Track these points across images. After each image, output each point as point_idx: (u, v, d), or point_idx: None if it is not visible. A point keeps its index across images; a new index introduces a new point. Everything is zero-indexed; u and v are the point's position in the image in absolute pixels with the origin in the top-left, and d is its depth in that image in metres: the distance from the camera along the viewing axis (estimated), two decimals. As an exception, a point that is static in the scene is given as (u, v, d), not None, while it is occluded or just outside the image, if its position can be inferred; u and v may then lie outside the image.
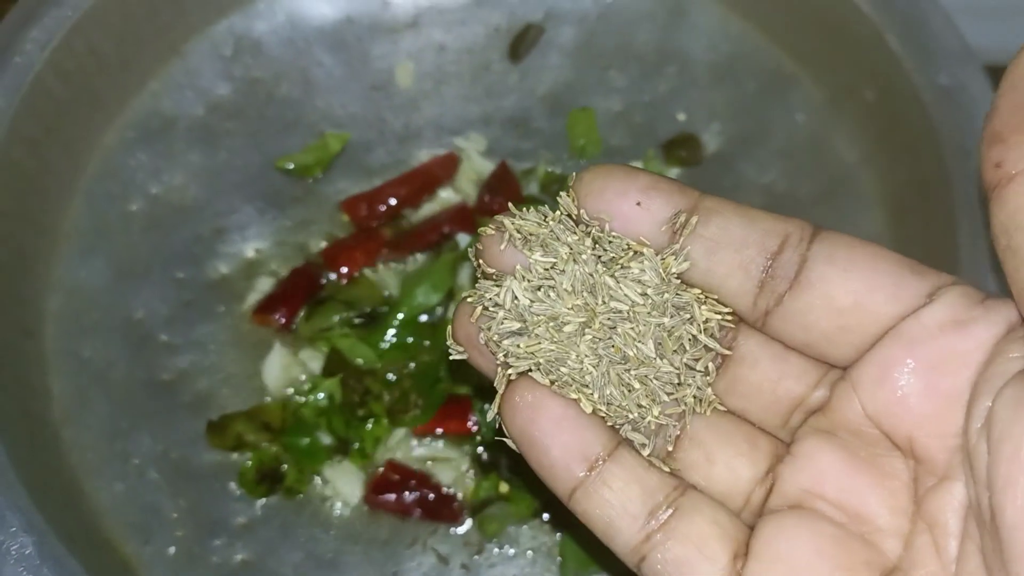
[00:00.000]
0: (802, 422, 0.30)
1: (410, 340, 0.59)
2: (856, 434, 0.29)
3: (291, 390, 0.58)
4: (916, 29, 0.54)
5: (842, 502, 0.29)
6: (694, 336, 0.31)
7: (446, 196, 0.64)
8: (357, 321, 0.60)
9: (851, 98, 0.60)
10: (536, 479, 0.32)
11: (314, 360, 0.59)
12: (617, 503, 0.29)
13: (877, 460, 0.29)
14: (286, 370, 0.59)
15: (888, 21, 0.55)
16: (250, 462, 0.55)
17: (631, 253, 0.30)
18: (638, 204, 0.30)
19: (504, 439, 0.31)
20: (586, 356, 0.30)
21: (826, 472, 0.29)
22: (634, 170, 0.30)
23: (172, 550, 0.54)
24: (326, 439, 0.56)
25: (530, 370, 0.31)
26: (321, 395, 0.57)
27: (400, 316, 0.59)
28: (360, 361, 0.58)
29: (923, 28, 0.54)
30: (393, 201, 0.63)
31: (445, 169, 0.64)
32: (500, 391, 0.31)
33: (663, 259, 0.31)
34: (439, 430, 0.57)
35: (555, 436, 0.29)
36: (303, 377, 0.58)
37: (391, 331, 0.59)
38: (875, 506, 0.28)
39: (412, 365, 0.58)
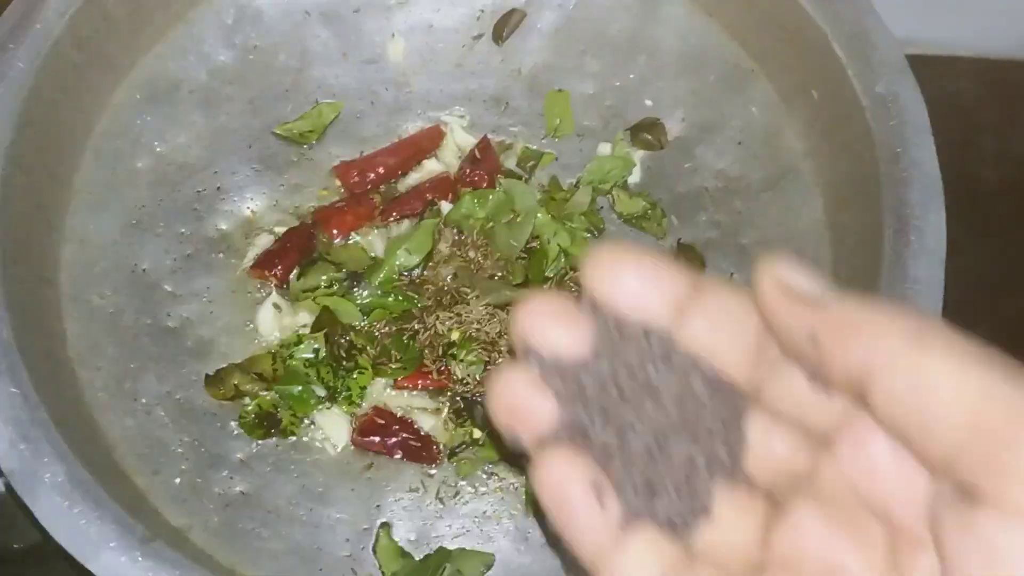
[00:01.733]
0: (788, 484, 0.31)
1: (391, 298, 0.65)
2: (838, 499, 0.30)
3: (278, 335, 0.63)
4: (860, 40, 0.61)
5: (825, 566, 0.30)
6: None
7: (431, 166, 0.69)
8: (344, 281, 0.65)
9: (800, 96, 0.66)
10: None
11: (304, 312, 0.64)
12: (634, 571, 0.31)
13: (858, 525, 0.29)
14: (278, 319, 0.64)
15: (835, 31, 0.62)
16: (249, 407, 0.61)
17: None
18: (646, 286, 0.30)
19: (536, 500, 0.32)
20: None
21: (810, 535, 0.30)
22: (640, 254, 0.31)
23: (178, 480, 0.59)
24: (317, 388, 0.62)
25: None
26: (307, 349, 0.63)
27: (382, 275, 0.65)
28: (346, 317, 0.64)
29: (866, 40, 0.60)
30: (382, 169, 0.68)
31: (431, 141, 0.70)
32: (534, 463, 0.32)
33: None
34: (419, 382, 0.63)
35: (581, 507, 0.31)
36: (293, 325, 0.64)
37: (375, 288, 0.65)
38: (857, 571, 0.29)
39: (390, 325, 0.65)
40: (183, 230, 0.66)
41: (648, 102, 0.70)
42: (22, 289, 0.57)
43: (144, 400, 0.61)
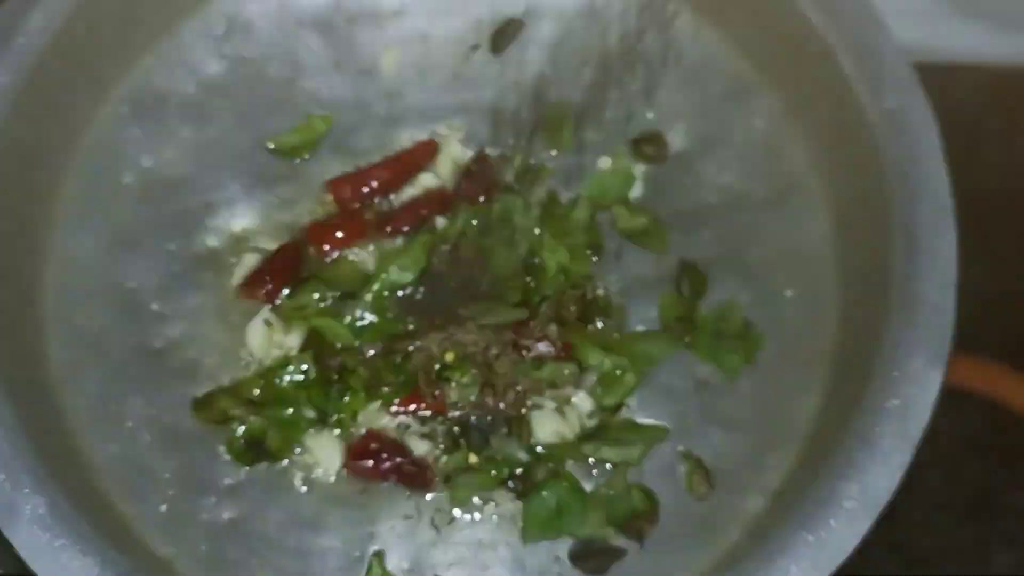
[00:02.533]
0: None
1: (380, 317, 0.63)
2: None
3: (270, 353, 0.62)
4: (868, 54, 0.59)
5: None
6: None
7: (426, 181, 0.67)
8: (337, 299, 0.63)
9: (806, 110, 0.64)
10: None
11: (296, 334, 0.63)
12: None
13: None
14: (268, 336, 0.62)
15: (842, 44, 0.60)
16: (239, 431, 0.59)
17: None
18: None
19: None
20: None
21: None
22: None
23: (163, 508, 0.58)
24: (307, 411, 0.60)
25: None
26: (295, 371, 0.61)
27: (373, 292, 0.63)
28: (335, 338, 0.62)
29: (874, 54, 0.59)
30: (375, 184, 0.66)
31: (426, 155, 0.68)
32: None
33: None
34: (412, 406, 0.61)
35: None
36: (283, 344, 0.62)
37: (365, 307, 0.63)
38: None
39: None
40: (171, 247, 0.64)
41: (649, 115, 0.69)
42: (2, 312, 0.55)
43: (129, 424, 0.59)
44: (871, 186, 0.58)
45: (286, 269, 0.64)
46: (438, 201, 0.66)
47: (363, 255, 0.65)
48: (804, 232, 0.64)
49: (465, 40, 0.70)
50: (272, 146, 0.67)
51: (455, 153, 0.68)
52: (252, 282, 0.63)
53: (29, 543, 0.48)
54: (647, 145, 0.68)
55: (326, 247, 0.65)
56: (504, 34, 0.70)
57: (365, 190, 0.66)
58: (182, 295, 0.63)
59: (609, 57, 0.69)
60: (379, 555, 0.58)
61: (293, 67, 0.68)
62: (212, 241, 0.65)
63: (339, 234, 0.65)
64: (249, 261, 0.64)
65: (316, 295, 0.63)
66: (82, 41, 0.61)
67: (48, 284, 0.60)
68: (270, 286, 0.63)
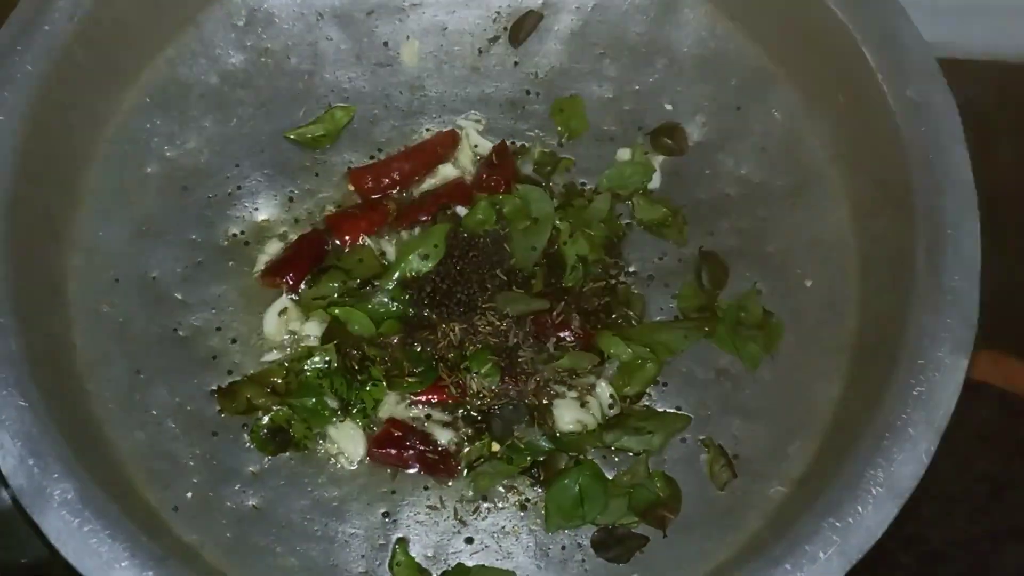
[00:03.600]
0: None
1: (401, 307, 0.63)
2: None
3: (285, 338, 0.62)
4: (890, 44, 0.59)
5: None
6: None
7: (446, 172, 0.68)
8: (357, 288, 0.64)
9: (825, 101, 0.65)
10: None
11: (313, 322, 0.63)
12: None
13: None
14: (284, 322, 0.63)
15: (865, 34, 0.60)
16: (263, 422, 0.60)
17: None
18: None
19: None
20: None
21: None
22: None
23: (189, 495, 0.58)
24: (330, 400, 0.60)
25: None
26: (319, 361, 0.61)
27: (394, 278, 0.63)
28: (356, 328, 0.62)
29: (897, 44, 0.59)
30: (397, 175, 0.67)
31: (446, 146, 0.68)
32: None
33: None
34: (434, 397, 0.61)
35: None
36: (300, 332, 0.62)
37: (385, 296, 0.63)
38: None
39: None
40: (194, 237, 0.64)
41: (668, 106, 0.69)
42: (30, 300, 0.56)
43: (154, 412, 0.60)
44: (893, 176, 0.58)
45: (307, 258, 0.64)
46: (458, 191, 0.67)
47: (383, 244, 0.65)
48: (824, 222, 0.64)
49: (484, 32, 0.70)
50: (292, 136, 0.67)
51: (475, 144, 0.68)
52: (274, 271, 0.64)
53: (59, 528, 0.48)
54: (666, 137, 0.68)
55: (346, 236, 0.65)
56: (523, 26, 0.70)
57: (386, 181, 0.67)
58: (205, 284, 0.63)
59: (627, 49, 0.70)
60: (403, 542, 0.58)
61: (314, 59, 0.68)
62: (234, 230, 0.65)
63: (360, 224, 0.65)
64: (271, 250, 0.64)
65: (336, 284, 0.64)
66: (106, 31, 0.61)
67: (74, 273, 0.60)
68: (291, 275, 0.63)
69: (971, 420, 0.80)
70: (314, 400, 0.60)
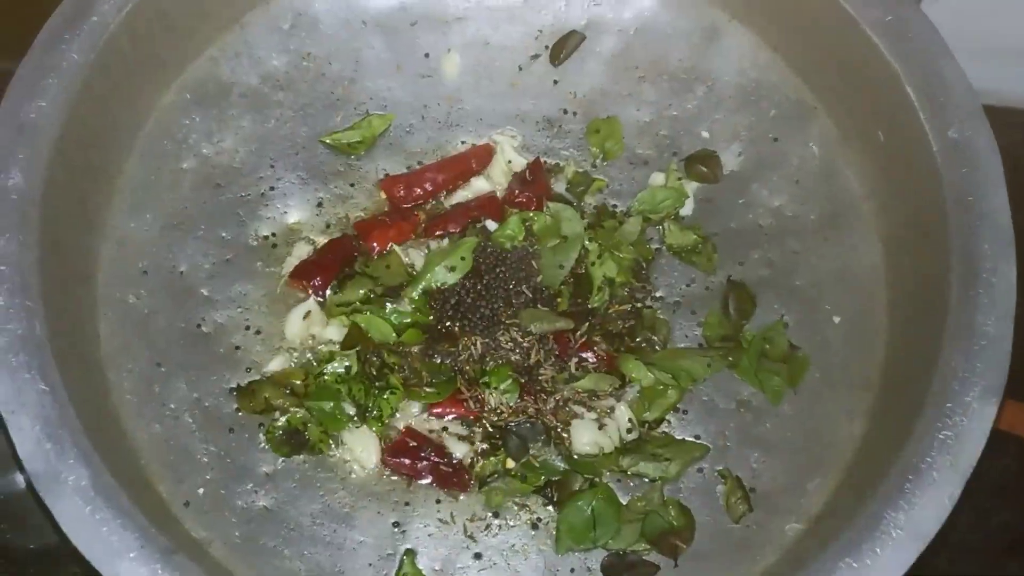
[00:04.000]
0: None
1: (423, 317, 0.63)
2: None
3: (307, 342, 0.62)
4: (933, 82, 0.59)
5: None
6: None
7: (479, 185, 0.68)
8: (381, 295, 0.64)
9: (863, 135, 0.64)
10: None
11: (333, 327, 0.63)
12: None
13: None
14: (306, 325, 0.62)
15: (908, 70, 0.60)
16: (279, 423, 0.59)
17: None
18: None
19: None
20: None
21: None
22: None
23: (201, 491, 0.58)
24: (348, 406, 0.60)
25: None
26: (339, 365, 0.61)
27: (419, 289, 0.63)
28: (377, 335, 0.62)
29: (940, 82, 0.58)
30: (429, 186, 0.67)
31: (480, 159, 0.68)
32: None
33: None
34: (451, 410, 0.61)
35: None
36: (321, 337, 0.62)
37: (410, 305, 0.63)
38: None
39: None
40: (224, 234, 0.65)
41: (705, 134, 0.69)
42: (59, 286, 0.56)
43: (172, 406, 0.60)
44: (929, 215, 0.58)
45: (336, 263, 0.64)
46: (489, 205, 0.67)
47: (411, 254, 0.65)
48: (855, 258, 0.63)
49: (526, 49, 0.70)
50: (328, 141, 0.67)
51: (509, 159, 0.68)
52: (301, 273, 0.64)
53: (70, 514, 0.48)
54: (701, 164, 0.68)
55: (375, 244, 0.65)
56: (565, 45, 0.70)
57: (419, 191, 0.67)
58: (232, 282, 0.64)
59: (667, 74, 0.69)
60: (411, 554, 0.58)
61: (355, 65, 0.69)
62: (265, 231, 0.65)
63: (390, 232, 0.65)
64: (300, 252, 0.65)
65: (363, 291, 0.64)
66: (153, 26, 0.62)
67: (103, 262, 0.61)
68: (319, 278, 0.63)
69: (991, 470, 0.79)
70: (331, 404, 0.60)
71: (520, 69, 0.70)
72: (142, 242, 0.63)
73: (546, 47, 0.70)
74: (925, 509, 0.48)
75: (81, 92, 0.58)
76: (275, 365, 0.62)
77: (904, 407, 0.54)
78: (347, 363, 0.61)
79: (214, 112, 0.66)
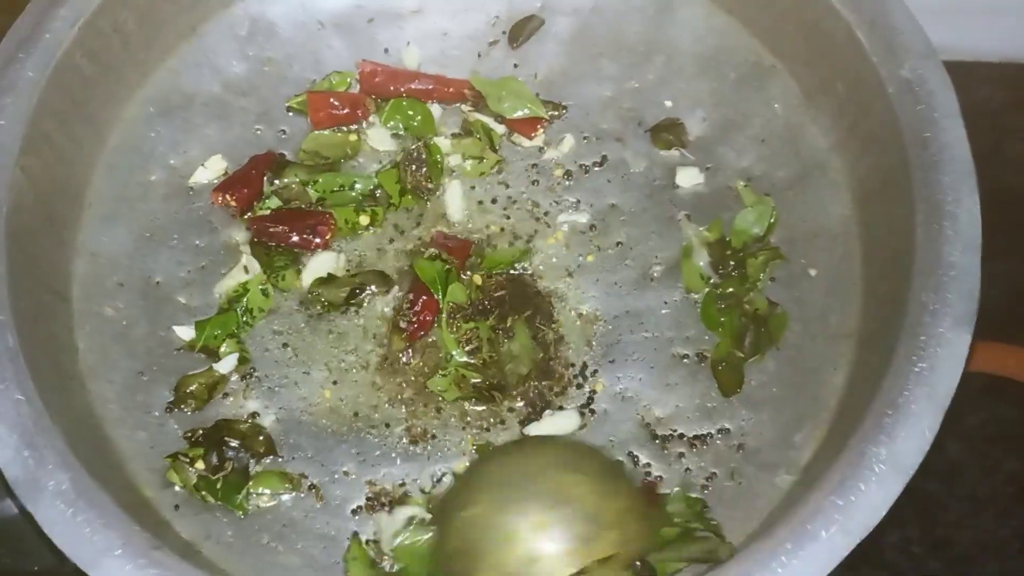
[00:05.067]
0: None
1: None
2: None
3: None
4: (882, 26, 0.59)
5: None
6: None
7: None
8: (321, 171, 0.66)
9: (824, 90, 0.64)
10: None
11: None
12: None
13: None
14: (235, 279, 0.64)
15: (858, 18, 0.60)
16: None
17: None
18: None
19: None
20: None
21: None
22: None
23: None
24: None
25: None
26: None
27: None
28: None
29: (889, 25, 0.59)
30: (403, 89, 0.68)
31: (464, 94, 0.69)
32: None
33: None
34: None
35: None
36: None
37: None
38: None
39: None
40: (197, 242, 0.65)
41: (668, 103, 0.69)
42: (31, 301, 0.56)
43: (156, 413, 0.60)
44: (892, 157, 0.58)
45: (260, 176, 0.65)
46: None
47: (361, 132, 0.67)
48: (826, 212, 0.63)
49: (484, 36, 0.71)
50: (295, 105, 0.68)
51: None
52: (225, 186, 0.65)
53: (52, 518, 0.48)
54: (667, 132, 0.68)
55: (320, 113, 0.66)
56: (523, 29, 0.70)
57: (392, 88, 0.68)
58: (208, 288, 0.64)
59: (626, 48, 0.70)
60: (356, 536, 0.57)
61: (316, 66, 0.70)
62: (237, 236, 0.66)
63: (340, 114, 0.67)
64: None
65: (298, 178, 0.65)
66: (108, 41, 0.62)
67: (77, 277, 0.61)
68: (245, 190, 0.64)
69: (996, 420, 0.79)
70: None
71: (479, 56, 0.71)
72: (115, 255, 0.63)
73: (503, 32, 0.71)
74: (906, 442, 0.48)
75: (40, 109, 0.58)
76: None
77: (882, 350, 0.54)
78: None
79: (178, 123, 0.67)
